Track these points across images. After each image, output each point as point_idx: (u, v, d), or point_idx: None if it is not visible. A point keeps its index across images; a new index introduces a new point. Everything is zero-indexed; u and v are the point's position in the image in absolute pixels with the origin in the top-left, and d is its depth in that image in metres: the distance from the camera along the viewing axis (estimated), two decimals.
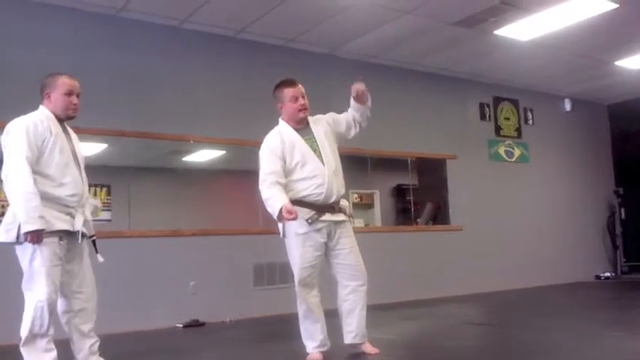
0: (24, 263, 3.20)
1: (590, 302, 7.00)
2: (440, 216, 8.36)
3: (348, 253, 3.74)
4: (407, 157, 8.03)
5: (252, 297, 6.40)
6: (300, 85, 3.81)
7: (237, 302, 6.26)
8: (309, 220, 3.61)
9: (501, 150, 8.99)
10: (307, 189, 3.66)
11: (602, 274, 9.65)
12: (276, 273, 6.56)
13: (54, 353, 3.23)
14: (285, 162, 3.68)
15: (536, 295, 7.85)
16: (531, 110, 9.47)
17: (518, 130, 9.26)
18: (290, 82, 3.81)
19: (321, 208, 3.67)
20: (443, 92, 8.47)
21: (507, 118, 9.14)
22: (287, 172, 3.70)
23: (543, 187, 9.30)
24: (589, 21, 6.59)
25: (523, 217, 8.90)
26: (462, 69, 8.31)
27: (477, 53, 7.65)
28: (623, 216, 10.04)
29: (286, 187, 3.66)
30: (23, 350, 3.19)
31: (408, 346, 4.38)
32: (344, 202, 3.82)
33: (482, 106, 8.87)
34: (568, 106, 9.91)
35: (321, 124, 3.87)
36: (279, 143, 3.71)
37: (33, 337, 3.17)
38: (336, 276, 3.79)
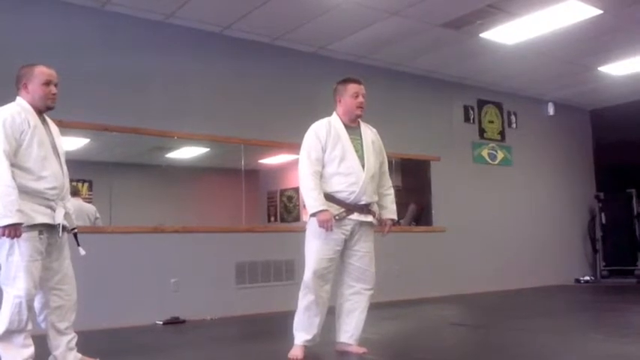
0: (1, 258, 3.14)
1: (571, 305, 7.06)
2: (423, 217, 8.38)
3: (362, 256, 3.80)
4: (391, 158, 8.01)
5: (234, 295, 6.36)
6: (363, 86, 3.89)
7: (219, 300, 6.22)
8: (337, 217, 3.66)
9: (485, 153, 9.03)
10: (340, 185, 3.71)
11: (581, 278, 9.74)
12: (259, 272, 6.54)
13: (31, 349, 3.18)
14: (325, 151, 3.74)
15: (518, 297, 7.91)
16: (515, 114, 9.53)
17: (502, 133, 9.32)
18: (355, 79, 3.91)
19: (351, 207, 3.71)
20: (428, 94, 8.49)
21: (491, 121, 9.19)
22: (324, 163, 3.75)
23: (525, 191, 9.36)
24: (574, 26, 6.64)
25: (505, 219, 8.96)
26: (448, 71, 8.34)
27: (462, 56, 7.67)
28: (603, 220, 10.13)
29: (321, 178, 3.73)
30: (0, 346, 3.13)
31: (391, 346, 4.38)
32: (375, 207, 3.87)
33: (466, 108, 8.91)
34: (551, 110, 9.98)
35: (372, 133, 3.97)
36: (325, 131, 3.77)
37: (10, 333, 3.11)
38: (343, 275, 3.83)
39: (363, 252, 3.80)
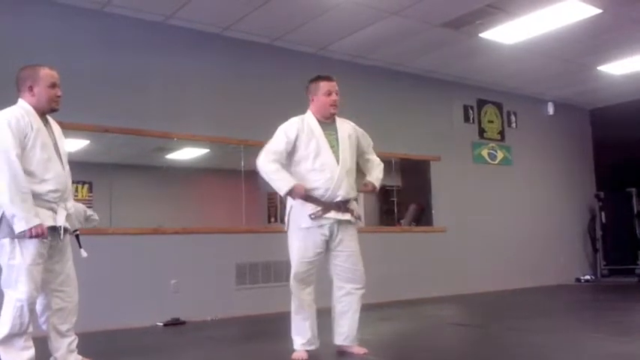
0: (3, 261, 3.14)
1: (571, 305, 7.06)
2: (423, 217, 8.38)
3: (348, 256, 3.75)
4: (391, 158, 8.03)
5: (234, 296, 6.37)
6: (335, 82, 3.86)
7: (219, 301, 6.22)
8: (313, 216, 3.61)
9: (484, 152, 9.04)
10: (316, 182, 3.67)
11: (582, 277, 9.74)
12: (259, 272, 6.55)
13: (32, 351, 3.18)
14: (294, 147, 3.71)
15: (518, 297, 7.90)
16: (515, 113, 9.54)
17: (502, 132, 9.32)
18: (327, 77, 3.89)
19: (327, 205, 3.67)
20: (427, 94, 8.49)
21: (491, 121, 9.19)
22: (299, 160, 3.73)
23: (525, 190, 9.36)
24: (573, 26, 6.64)
25: (505, 219, 8.96)
26: (447, 71, 8.34)
27: (462, 56, 7.67)
28: (603, 220, 10.13)
29: (296, 177, 3.69)
30: (0, 348, 3.13)
31: (392, 347, 4.39)
32: (353, 204, 3.82)
33: (466, 108, 8.91)
34: (551, 110, 9.98)
35: (348, 126, 3.91)
36: (295, 129, 3.74)
37: (11, 336, 3.11)
38: (333, 276, 3.79)
39: (348, 252, 3.75)
